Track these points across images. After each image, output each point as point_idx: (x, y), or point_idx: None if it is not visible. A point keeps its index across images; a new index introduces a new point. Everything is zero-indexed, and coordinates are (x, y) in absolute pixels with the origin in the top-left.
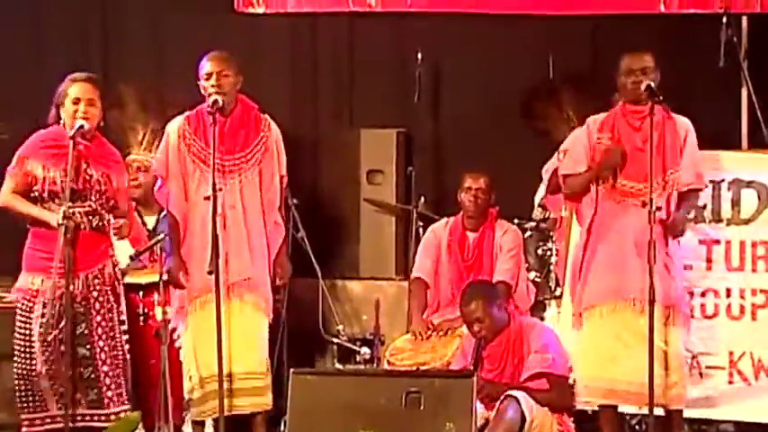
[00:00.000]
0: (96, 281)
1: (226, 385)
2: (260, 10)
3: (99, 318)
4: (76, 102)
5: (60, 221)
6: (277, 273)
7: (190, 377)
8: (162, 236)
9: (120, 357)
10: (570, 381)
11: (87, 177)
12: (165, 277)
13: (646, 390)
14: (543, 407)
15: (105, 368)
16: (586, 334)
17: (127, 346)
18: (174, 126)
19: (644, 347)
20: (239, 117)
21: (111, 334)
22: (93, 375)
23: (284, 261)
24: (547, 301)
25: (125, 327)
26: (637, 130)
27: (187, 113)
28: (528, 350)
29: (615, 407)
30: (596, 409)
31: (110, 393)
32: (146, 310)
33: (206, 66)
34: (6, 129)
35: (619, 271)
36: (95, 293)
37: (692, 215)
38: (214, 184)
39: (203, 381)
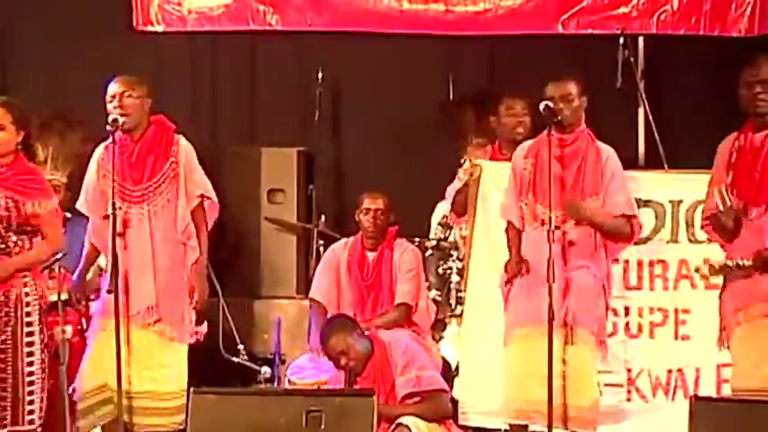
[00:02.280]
0: (8, 299)
1: (125, 402)
2: (159, 29)
3: (3, 336)
4: None
5: None
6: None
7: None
8: (60, 255)
9: (18, 378)
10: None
11: None
12: (63, 297)
13: (557, 410)
14: (431, 422)
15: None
16: (505, 355)
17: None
18: (94, 158)
19: (555, 367)
20: (149, 142)
21: (10, 355)
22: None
23: (197, 280)
24: (447, 320)
25: (33, 348)
26: (558, 158)
27: (108, 141)
28: (395, 373)
29: (526, 426)
30: (507, 428)
31: (6, 414)
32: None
33: (110, 87)
34: None
35: (533, 295)
36: (6, 311)
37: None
38: (114, 204)
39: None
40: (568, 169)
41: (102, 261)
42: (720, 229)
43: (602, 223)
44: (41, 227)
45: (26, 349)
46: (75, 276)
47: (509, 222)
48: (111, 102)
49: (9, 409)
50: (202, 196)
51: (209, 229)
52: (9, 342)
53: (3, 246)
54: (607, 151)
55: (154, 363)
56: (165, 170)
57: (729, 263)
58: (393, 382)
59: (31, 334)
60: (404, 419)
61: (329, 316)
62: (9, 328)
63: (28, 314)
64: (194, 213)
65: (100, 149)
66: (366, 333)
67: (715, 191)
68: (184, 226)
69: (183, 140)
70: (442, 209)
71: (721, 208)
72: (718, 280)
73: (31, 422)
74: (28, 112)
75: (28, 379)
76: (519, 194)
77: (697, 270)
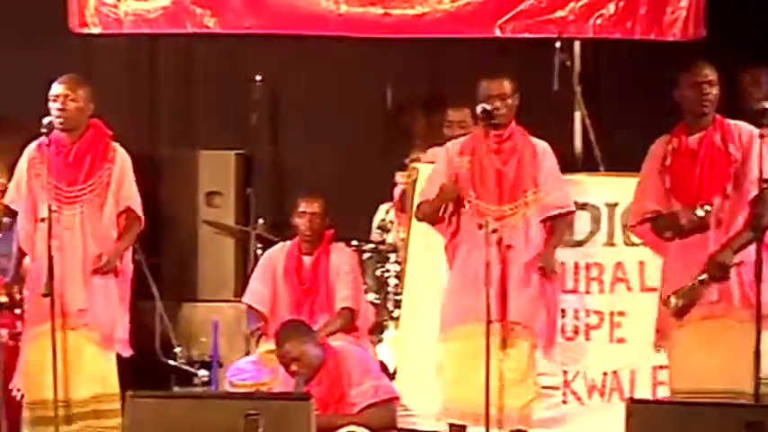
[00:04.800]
0: None
1: (63, 411)
2: (96, 31)
3: None
4: None
5: None
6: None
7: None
8: None
9: None
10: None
11: None
12: (2, 300)
13: (494, 410)
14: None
15: None
16: (443, 356)
17: None
18: (25, 157)
19: (492, 368)
20: (87, 144)
21: None
22: None
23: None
24: (386, 323)
25: None
26: (497, 152)
27: (40, 140)
28: (348, 383)
29: (464, 427)
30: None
31: None
32: None
33: (54, 88)
34: None
35: (470, 292)
36: None
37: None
38: (50, 206)
39: (42, 403)
40: (508, 164)
41: (26, 261)
42: (668, 228)
43: (557, 245)
44: None
45: None
46: (9, 277)
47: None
48: (54, 101)
49: None
50: (128, 208)
51: (130, 242)
52: None
53: None
54: (543, 146)
55: (88, 366)
56: (100, 173)
57: (692, 283)
58: (343, 393)
59: None
60: (353, 428)
61: (284, 320)
62: None
63: None
64: (118, 222)
65: (31, 148)
66: (319, 341)
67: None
68: (106, 229)
69: (121, 149)
70: (381, 212)
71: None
72: (656, 282)
73: None
74: None
75: None
76: None
77: (667, 304)
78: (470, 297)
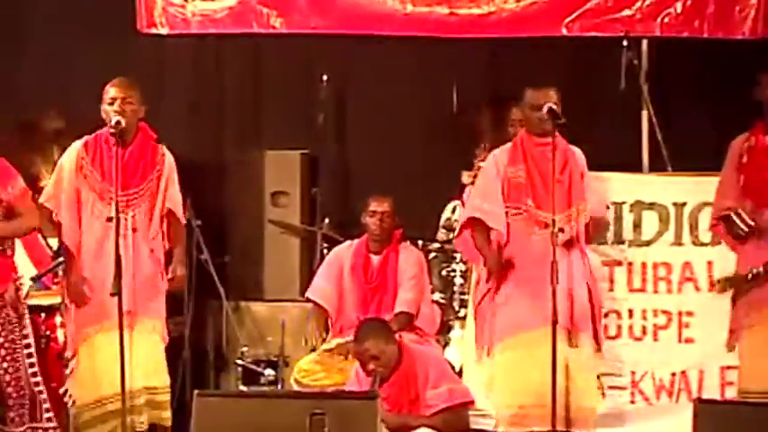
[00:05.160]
0: (5, 299)
1: (118, 406)
2: (163, 31)
3: (1, 339)
4: None
5: None
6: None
7: (74, 401)
8: (62, 260)
9: (23, 380)
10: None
11: None
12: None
13: (561, 411)
14: None
15: (9, 389)
16: (500, 362)
17: (33, 369)
18: (70, 156)
19: (559, 370)
20: (138, 148)
21: (14, 356)
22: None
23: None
24: (451, 323)
25: (31, 349)
26: (550, 160)
27: (85, 138)
28: (423, 385)
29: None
30: None
31: (12, 414)
32: (47, 333)
33: (110, 91)
34: None
35: (532, 299)
36: (6, 312)
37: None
38: (117, 206)
39: (98, 402)
40: (563, 172)
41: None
42: (733, 232)
43: None
44: (16, 207)
45: (26, 351)
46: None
47: (472, 222)
48: (111, 104)
49: (27, 407)
50: (169, 211)
51: (184, 246)
52: (15, 344)
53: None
54: (580, 153)
55: (147, 359)
56: (151, 177)
57: (745, 274)
58: (418, 394)
59: (26, 336)
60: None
61: (364, 318)
62: (11, 326)
63: (22, 316)
64: (169, 228)
65: (77, 147)
66: (398, 341)
67: (733, 215)
68: (155, 234)
69: (166, 151)
70: (447, 211)
71: (742, 227)
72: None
73: (50, 419)
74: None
75: (33, 380)
76: (507, 201)
77: (715, 283)
78: (529, 304)
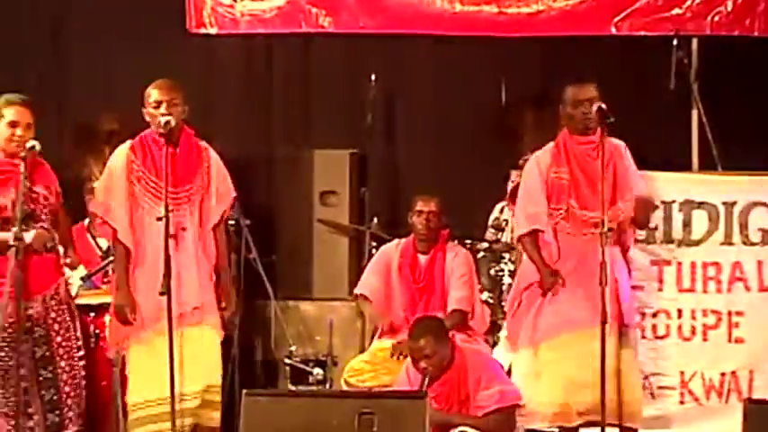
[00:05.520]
0: (53, 301)
1: (177, 406)
2: (212, 31)
3: (59, 339)
4: (14, 125)
5: (11, 243)
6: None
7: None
8: (113, 258)
9: (78, 378)
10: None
11: (34, 197)
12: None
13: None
14: None
15: (67, 389)
16: (546, 361)
17: (82, 363)
18: (119, 160)
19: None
20: (185, 147)
21: (71, 354)
22: (55, 397)
23: (229, 291)
24: (500, 322)
25: (81, 350)
26: (594, 159)
27: (130, 142)
28: (474, 385)
29: (576, 429)
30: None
31: (70, 414)
32: (97, 332)
33: (154, 94)
34: None
35: (579, 298)
36: (53, 314)
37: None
38: (167, 205)
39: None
40: (607, 170)
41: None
42: None
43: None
44: (59, 215)
45: (80, 351)
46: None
47: (529, 234)
48: (156, 108)
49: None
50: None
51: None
52: (71, 342)
53: (52, 244)
54: (623, 145)
55: (204, 359)
56: (200, 173)
57: None
58: (468, 394)
59: (79, 338)
60: (466, 429)
61: (421, 315)
62: (67, 325)
63: (72, 312)
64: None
65: (125, 151)
66: (450, 341)
67: None
68: (211, 227)
69: (209, 147)
70: (496, 211)
71: None
72: None
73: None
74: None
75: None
76: (551, 201)
77: None
78: (577, 303)
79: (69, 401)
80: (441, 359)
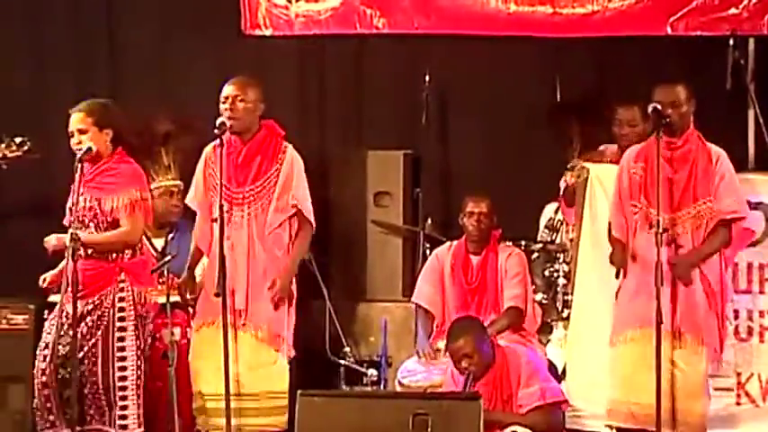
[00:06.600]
0: (102, 303)
1: (233, 404)
2: (267, 32)
3: (94, 340)
4: (71, 135)
5: (68, 244)
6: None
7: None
8: (169, 258)
9: (130, 378)
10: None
11: (83, 203)
12: (172, 299)
13: (665, 414)
14: None
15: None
16: (613, 358)
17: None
18: (202, 159)
19: (664, 372)
20: (257, 145)
21: (105, 358)
22: (104, 396)
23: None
24: (554, 323)
25: (127, 352)
26: (668, 160)
27: (216, 141)
28: (516, 384)
29: (630, 430)
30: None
31: (91, 412)
32: (153, 332)
33: (225, 89)
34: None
35: (646, 298)
36: (99, 315)
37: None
38: (221, 206)
39: (204, 397)
40: (680, 173)
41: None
42: None
43: (710, 253)
44: (118, 218)
45: (118, 354)
46: (181, 277)
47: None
48: (223, 103)
49: (101, 411)
50: (297, 210)
51: (302, 254)
52: (100, 346)
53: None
54: (718, 153)
55: (256, 363)
56: (269, 175)
57: None
58: (511, 393)
59: (122, 339)
60: (517, 428)
61: (458, 316)
62: (100, 332)
63: (122, 319)
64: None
65: (208, 149)
66: (491, 340)
67: None
68: (270, 230)
69: (292, 150)
70: (550, 211)
71: None
72: None
73: (123, 427)
74: (115, 110)
75: (120, 384)
76: (630, 198)
77: None
78: (643, 302)
79: (88, 401)
80: (482, 358)
